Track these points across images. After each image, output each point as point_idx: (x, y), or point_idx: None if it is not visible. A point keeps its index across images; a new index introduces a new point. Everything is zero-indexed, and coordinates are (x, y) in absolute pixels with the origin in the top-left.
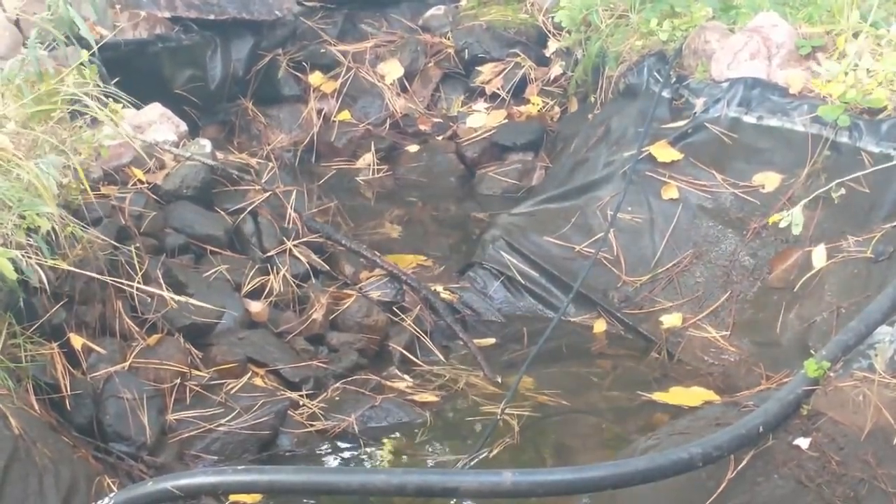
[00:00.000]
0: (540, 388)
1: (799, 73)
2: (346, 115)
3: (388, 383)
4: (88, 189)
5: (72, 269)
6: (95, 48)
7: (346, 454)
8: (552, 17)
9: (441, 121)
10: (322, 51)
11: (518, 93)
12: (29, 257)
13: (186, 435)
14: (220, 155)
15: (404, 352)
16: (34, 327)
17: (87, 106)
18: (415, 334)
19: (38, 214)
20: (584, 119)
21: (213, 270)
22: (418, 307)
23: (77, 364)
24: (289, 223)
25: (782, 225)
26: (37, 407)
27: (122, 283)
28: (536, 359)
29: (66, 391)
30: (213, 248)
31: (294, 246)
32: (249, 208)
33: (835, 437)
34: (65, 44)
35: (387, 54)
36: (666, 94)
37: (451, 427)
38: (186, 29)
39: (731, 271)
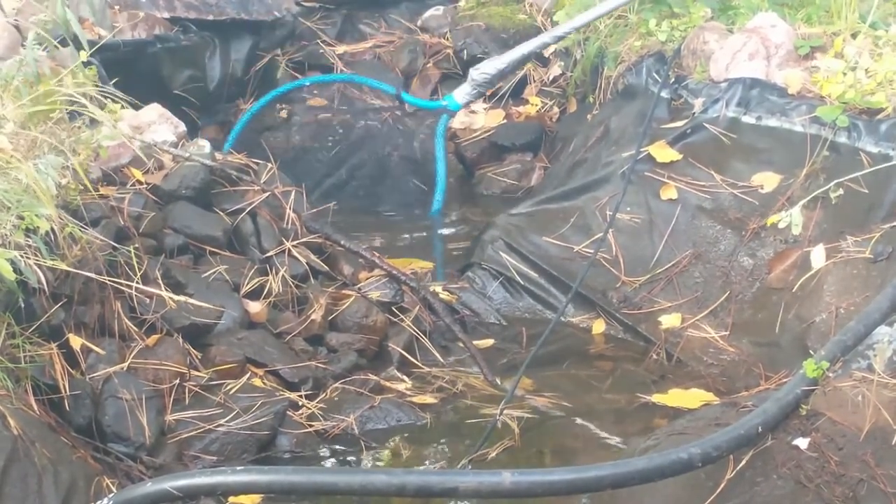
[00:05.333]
0: (539, 390)
1: (798, 73)
2: None
3: (388, 384)
4: (90, 187)
5: (71, 269)
6: (86, 48)
7: (346, 455)
8: (551, 18)
9: None
10: (321, 51)
11: (517, 93)
12: (28, 258)
13: (185, 435)
14: (218, 155)
15: (403, 352)
16: (33, 328)
17: (84, 106)
18: (414, 335)
19: (36, 215)
20: (583, 119)
21: (212, 271)
22: (417, 308)
23: (76, 364)
24: (288, 223)
25: (781, 225)
26: (36, 407)
27: (120, 284)
28: (535, 360)
29: (65, 391)
30: (212, 249)
31: (293, 246)
32: (248, 209)
33: (834, 437)
34: (56, 46)
35: (386, 55)
36: (665, 94)
37: (451, 428)
38: (185, 29)
39: (729, 271)
